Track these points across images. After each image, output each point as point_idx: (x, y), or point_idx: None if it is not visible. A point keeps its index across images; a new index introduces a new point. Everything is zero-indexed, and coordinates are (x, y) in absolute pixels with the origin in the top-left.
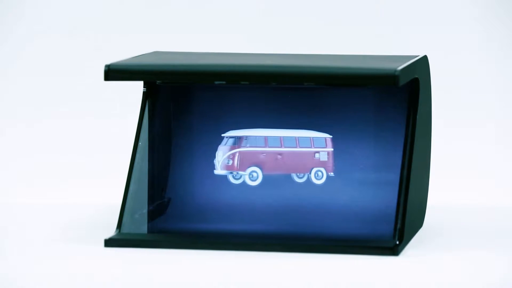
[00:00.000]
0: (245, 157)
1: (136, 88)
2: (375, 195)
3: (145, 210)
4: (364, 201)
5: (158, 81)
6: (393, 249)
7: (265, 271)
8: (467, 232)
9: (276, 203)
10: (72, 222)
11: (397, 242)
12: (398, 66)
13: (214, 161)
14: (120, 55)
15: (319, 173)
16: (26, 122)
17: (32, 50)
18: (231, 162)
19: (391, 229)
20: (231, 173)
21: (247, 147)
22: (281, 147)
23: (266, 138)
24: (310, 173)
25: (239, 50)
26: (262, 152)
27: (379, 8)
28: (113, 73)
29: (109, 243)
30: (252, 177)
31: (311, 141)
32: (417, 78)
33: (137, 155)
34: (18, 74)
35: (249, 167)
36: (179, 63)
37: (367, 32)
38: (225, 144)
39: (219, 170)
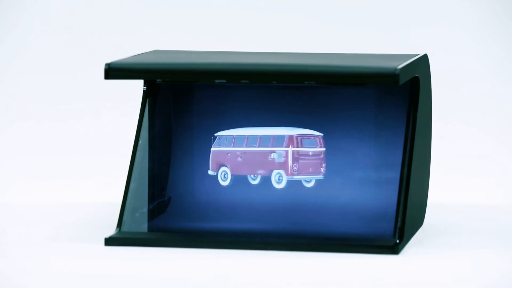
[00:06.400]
0: (216, 157)
1: (136, 87)
2: (375, 193)
3: (146, 209)
4: (364, 200)
5: (158, 80)
6: (393, 248)
7: (265, 269)
8: (468, 231)
9: (276, 202)
10: (72, 220)
11: (397, 241)
12: (399, 65)
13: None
14: (120, 53)
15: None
16: (26, 121)
17: (32, 50)
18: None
19: (391, 228)
20: (214, 173)
21: (215, 146)
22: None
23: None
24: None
25: (239, 49)
26: (227, 152)
27: (380, 6)
28: (114, 71)
29: (109, 241)
30: (224, 178)
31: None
32: (417, 76)
33: (138, 154)
34: (18, 74)
35: (220, 167)
36: (179, 61)
37: (367, 30)
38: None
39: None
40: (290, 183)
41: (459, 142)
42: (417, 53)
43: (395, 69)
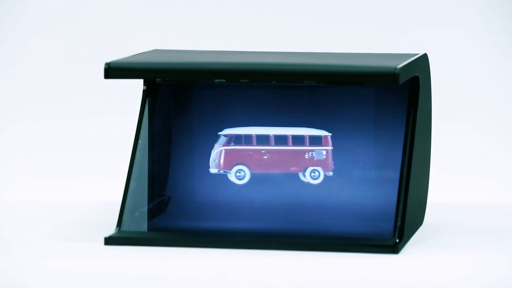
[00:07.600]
0: (231, 155)
1: (136, 86)
2: (375, 193)
3: (145, 208)
4: (364, 199)
5: (158, 79)
6: (393, 247)
7: (265, 269)
8: (467, 230)
9: (275, 201)
10: (72, 220)
11: (397, 240)
12: (398, 64)
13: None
14: (120, 53)
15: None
16: (26, 120)
17: (32, 49)
18: (217, 160)
19: (391, 227)
20: (218, 171)
21: (231, 145)
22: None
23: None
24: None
25: (239, 48)
26: (248, 151)
27: (380, 6)
28: (113, 71)
29: (109, 241)
30: (239, 176)
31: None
32: (417, 76)
33: (137, 153)
34: (18, 73)
35: (235, 165)
36: (179, 61)
37: (367, 30)
38: (217, 143)
39: (211, 169)
40: (289, 182)
41: (459, 140)
42: (417, 52)
43: (395, 69)
